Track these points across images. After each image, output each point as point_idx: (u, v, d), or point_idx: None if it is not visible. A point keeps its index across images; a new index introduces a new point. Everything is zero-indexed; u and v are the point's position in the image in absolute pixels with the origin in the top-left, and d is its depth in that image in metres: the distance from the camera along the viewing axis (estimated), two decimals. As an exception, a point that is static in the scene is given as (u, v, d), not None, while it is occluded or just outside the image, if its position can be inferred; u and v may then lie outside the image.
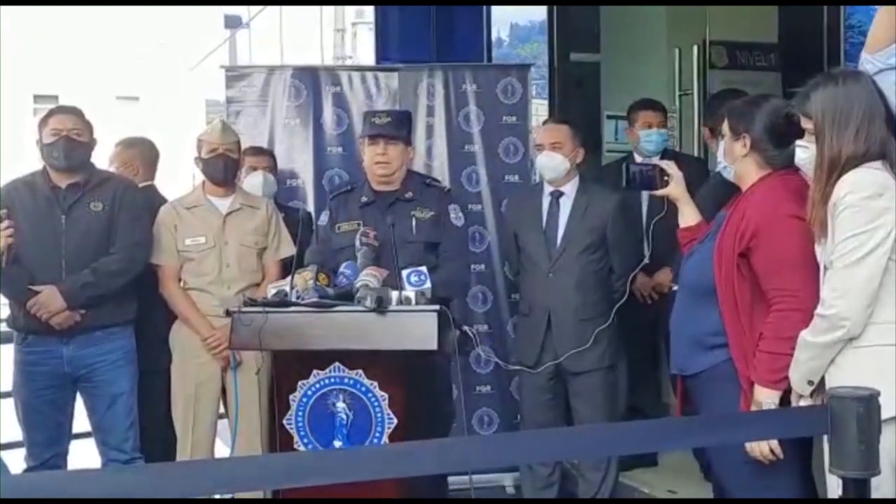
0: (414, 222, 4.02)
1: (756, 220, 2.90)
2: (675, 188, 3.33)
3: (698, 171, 4.55)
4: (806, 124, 2.76)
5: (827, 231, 2.67)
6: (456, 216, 4.14)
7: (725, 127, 3.09)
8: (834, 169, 2.66)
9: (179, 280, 4.25)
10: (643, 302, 4.74)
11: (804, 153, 2.79)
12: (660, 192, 3.42)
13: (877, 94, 2.72)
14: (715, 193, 3.47)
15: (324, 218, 4.22)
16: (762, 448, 2.84)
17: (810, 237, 2.78)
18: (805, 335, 2.71)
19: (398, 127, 4.14)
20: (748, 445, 2.85)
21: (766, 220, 2.89)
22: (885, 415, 2.22)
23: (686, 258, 3.21)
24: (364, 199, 4.12)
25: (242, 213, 4.29)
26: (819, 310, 2.68)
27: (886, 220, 2.60)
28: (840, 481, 2.21)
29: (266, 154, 4.88)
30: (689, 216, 3.30)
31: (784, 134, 2.93)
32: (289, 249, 4.23)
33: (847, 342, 2.65)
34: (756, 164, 3.01)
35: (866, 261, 2.60)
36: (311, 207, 4.96)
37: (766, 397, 2.83)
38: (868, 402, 2.14)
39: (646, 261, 4.29)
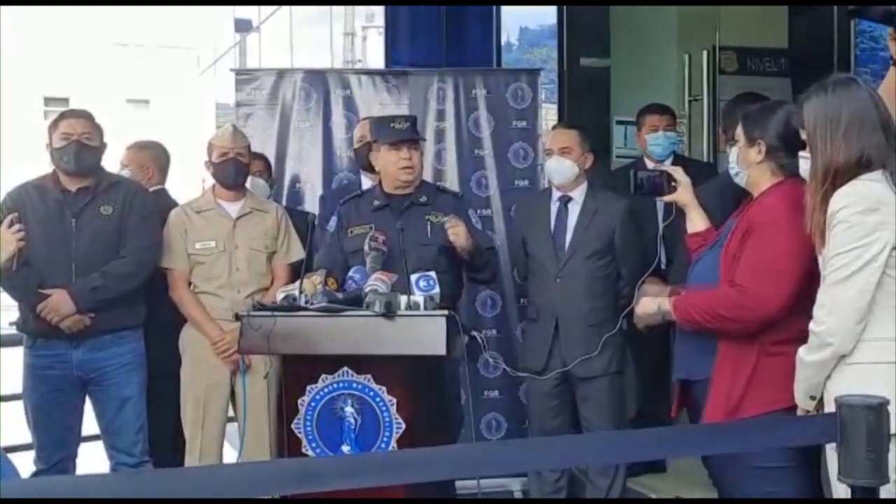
0: (430, 226, 4.02)
1: (756, 221, 2.88)
2: (683, 194, 3.31)
3: (707, 177, 4.51)
4: (803, 134, 2.73)
5: (825, 241, 2.63)
6: (476, 220, 4.21)
7: (739, 132, 3.05)
8: (827, 177, 2.62)
9: (189, 284, 4.26)
10: None
11: (805, 164, 2.75)
12: (667, 198, 3.40)
13: (871, 102, 2.66)
14: (722, 192, 3.43)
15: (332, 224, 4.21)
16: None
17: (803, 248, 2.75)
18: (801, 353, 2.69)
19: (416, 131, 4.16)
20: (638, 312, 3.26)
21: (764, 223, 2.87)
22: None
23: (694, 264, 3.19)
24: (377, 202, 4.10)
25: (252, 217, 4.30)
26: (811, 325, 2.65)
27: (882, 234, 2.55)
28: (848, 489, 2.20)
29: (258, 158, 4.83)
30: (697, 222, 3.28)
31: (797, 141, 2.92)
32: (298, 253, 4.23)
33: (840, 359, 2.61)
34: (770, 170, 2.98)
35: (857, 277, 2.55)
36: (319, 211, 4.95)
37: (662, 306, 3.13)
38: (878, 410, 2.13)
39: (662, 266, 4.27)
